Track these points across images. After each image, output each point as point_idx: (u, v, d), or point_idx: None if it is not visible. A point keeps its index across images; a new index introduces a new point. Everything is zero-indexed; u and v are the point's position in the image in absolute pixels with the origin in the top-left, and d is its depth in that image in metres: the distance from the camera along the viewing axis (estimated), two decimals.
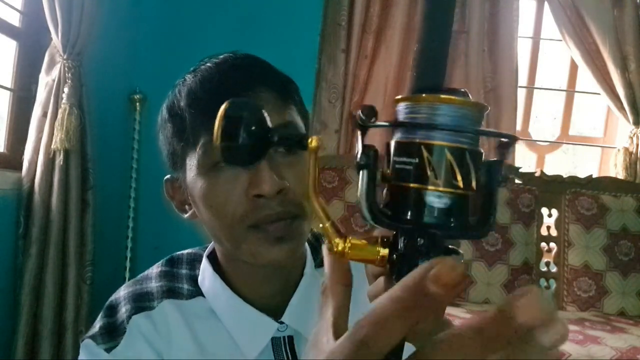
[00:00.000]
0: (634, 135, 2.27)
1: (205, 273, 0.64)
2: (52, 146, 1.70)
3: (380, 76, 2.27)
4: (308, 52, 2.24)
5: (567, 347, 1.51)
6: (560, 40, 2.32)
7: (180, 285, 0.64)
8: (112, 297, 0.65)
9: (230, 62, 0.60)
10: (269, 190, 0.54)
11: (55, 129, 1.70)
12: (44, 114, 1.73)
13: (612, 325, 1.78)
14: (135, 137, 2.23)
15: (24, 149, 1.75)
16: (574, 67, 2.44)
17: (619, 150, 2.32)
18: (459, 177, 0.25)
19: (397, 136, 0.28)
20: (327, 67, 2.25)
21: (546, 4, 2.34)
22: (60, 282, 1.74)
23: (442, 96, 0.26)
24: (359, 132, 0.29)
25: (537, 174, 2.23)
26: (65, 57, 1.73)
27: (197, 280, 0.64)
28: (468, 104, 0.26)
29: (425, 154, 0.26)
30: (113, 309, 0.63)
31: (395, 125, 0.28)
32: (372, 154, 0.28)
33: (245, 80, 0.58)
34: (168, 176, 0.64)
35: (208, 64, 0.60)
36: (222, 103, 0.49)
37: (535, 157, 2.56)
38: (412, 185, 0.26)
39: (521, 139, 2.50)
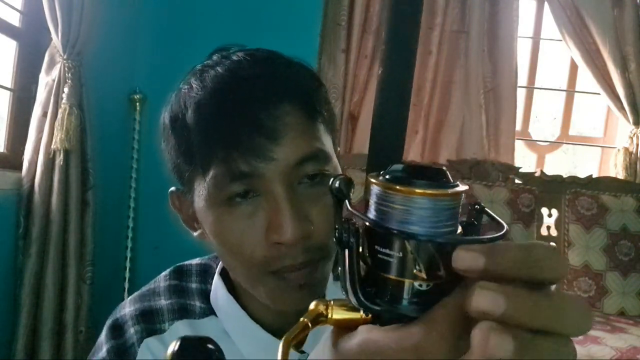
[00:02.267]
0: (634, 135, 2.27)
1: (218, 292, 0.59)
2: (52, 146, 1.70)
3: None
4: (308, 52, 2.24)
5: None
6: (560, 40, 2.32)
7: (192, 303, 0.59)
8: (117, 315, 0.59)
9: (247, 68, 0.49)
10: (292, 238, 0.46)
11: (55, 129, 1.70)
12: (44, 114, 1.73)
13: (612, 325, 1.78)
14: (135, 137, 2.23)
15: (24, 149, 1.74)
16: (574, 67, 2.44)
17: (619, 150, 2.32)
18: (442, 268, 0.25)
19: (375, 220, 0.27)
20: (327, 67, 2.25)
21: (546, 4, 2.34)
22: (60, 282, 1.74)
23: (417, 190, 0.25)
24: (335, 205, 0.28)
25: (537, 174, 2.23)
26: (65, 57, 1.73)
27: (208, 295, 0.59)
28: (445, 195, 0.26)
29: (408, 248, 0.25)
30: (120, 329, 0.57)
31: (375, 226, 0.27)
32: (354, 230, 0.27)
33: (267, 97, 0.48)
34: (173, 188, 0.56)
35: (219, 70, 0.50)
36: (239, 126, 0.46)
37: (535, 157, 2.56)
38: (395, 277, 0.26)
39: (521, 139, 2.50)
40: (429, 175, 0.26)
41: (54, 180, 1.72)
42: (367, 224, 0.27)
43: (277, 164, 0.47)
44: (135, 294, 0.61)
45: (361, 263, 0.27)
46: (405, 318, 0.25)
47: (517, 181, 2.19)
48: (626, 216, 2.04)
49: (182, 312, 0.58)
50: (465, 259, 0.24)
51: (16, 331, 1.67)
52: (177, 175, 0.53)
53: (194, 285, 0.61)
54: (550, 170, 2.31)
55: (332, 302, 0.28)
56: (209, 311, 0.58)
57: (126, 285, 2.19)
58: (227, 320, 0.57)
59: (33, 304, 1.69)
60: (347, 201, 0.28)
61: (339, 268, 0.27)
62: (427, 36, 2.24)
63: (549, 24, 2.39)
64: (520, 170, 2.22)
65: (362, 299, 0.26)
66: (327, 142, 0.52)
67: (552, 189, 2.17)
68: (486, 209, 0.30)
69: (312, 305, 0.28)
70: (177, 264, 0.64)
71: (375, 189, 0.27)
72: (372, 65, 2.29)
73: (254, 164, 0.47)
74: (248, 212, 0.48)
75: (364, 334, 0.26)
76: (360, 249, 0.27)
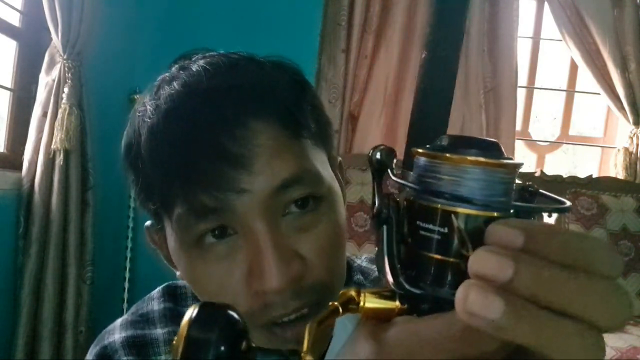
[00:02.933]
0: (634, 135, 2.27)
1: None
2: (52, 146, 1.70)
3: (380, 76, 2.27)
4: (308, 52, 2.24)
5: None
6: (560, 40, 2.32)
7: None
8: (105, 341, 0.52)
9: (207, 81, 0.41)
10: (277, 286, 0.38)
11: (55, 129, 1.70)
12: (44, 114, 1.73)
13: None
14: None
15: (24, 149, 1.74)
16: (574, 67, 2.44)
17: (619, 150, 2.32)
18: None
19: (418, 195, 0.24)
20: (327, 67, 2.25)
21: (546, 4, 2.34)
22: (60, 282, 1.74)
23: (470, 158, 0.23)
24: (375, 178, 0.26)
25: (537, 174, 2.23)
26: (65, 57, 1.73)
27: None
28: (498, 165, 0.23)
29: (455, 224, 0.22)
30: (109, 358, 0.51)
31: (419, 190, 0.24)
32: (393, 205, 0.24)
33: (231, 116, 0.39)
34: (149, 223, 0.49)
35: (175, 85, 0.41)
36: (199, 154, 0.38)
37: (535, 157, 2.56)
38: (439, 257, 0.23)
39: (521, 139, 2.50)
40: (480, 146, 0.23)
41: (54, 180, 1.72)
42: (410, 197, 0.24)
43: (251, 196, 0.39)
44: (127, 317, 0.55)
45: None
46: (448, 306, 0.22)
47: (517, 181, 2.19)
48: (626, 216, 2.04)
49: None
50: (500, 234, 0.20)
51: (16, 331, 1.67)
52: (145, 211, 0.46)
53: None
54: (550, 170, 2.31)
55: (364, 290, 0.25)
56: None
57: (126, 285, 2.19)
58: None
59: (33, 304, 1.69)
60: (389, 170, 0.25)
61: (376, 249, 0.25)
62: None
63: (549, 24, 2.39)
64: (520, 170, 2.21)
65: (403, 281, 0.23)
66: (316, 159, 0.43)
67: (552, 189, 2.16)
68: (541, 190, 0.26)
69: (342, 290, 0.25)
70: (171, 283, 0.57)
71: (420, 161, 0.24)
72: (372, 65, 2.29)
73: (221, 198, 0.38)
74: (224, 255, 0.40)
75: (403, 324, 0.24)
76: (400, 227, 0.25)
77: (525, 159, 2.56)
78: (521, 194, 0.25)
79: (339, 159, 0.51)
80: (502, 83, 2.31)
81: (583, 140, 2.62)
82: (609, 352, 1.52)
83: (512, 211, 0.23)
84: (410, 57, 2.26)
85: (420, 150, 0.24)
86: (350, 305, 0.25)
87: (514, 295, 0.19)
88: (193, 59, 0.45)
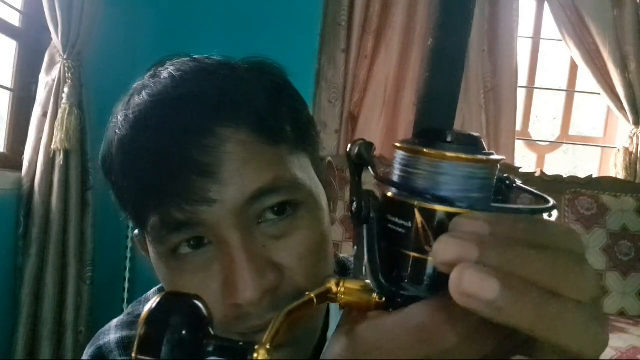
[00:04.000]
0: (634, 135, 2.27)
1: None
2: (52, 146, 1.70)
3: (380, 76, 2.27)
4: (308, 52, 2.24)
5: None
6: (560, 40, 2.32)
7: None
8: (101, 341, 0.52)
9: (173, 89, 0.40)
10: (250, 298, 0.37)
11: (55, 129, 1.70)
12: (44, 114, 1.73)
13: (612, 325, 1.78)
14: None
15: (24, 149, 1.74)
16: (574, 67, 2.44)
17: (619, 150, 2.32)
18: None
19: (395, 191, 0.24)
20: (327, 67, 2.25)
21: (546, 4, 2.34)
22: (60, 282, 1.74)
23: (448, 153, 0.22)
24: (353, 174, 0.25)
25: (537, 174, 2.23)
26: (65, 57, 1.73)
27: None
28: (478, 161, 0.22)
29: (426, 219, 0.22)
30: (104, 359, 0.50)
31: (391, 184, 0.23)
32: (373, 203, 0.24)
33: (197, 124, 0.38)
34: (136, 232, 0.48)
35: (143, 95, 0.41)
36: (166, 165, 0.37)
37: (535, 157, 2.56)
38: (417, 255, 0.23)
39: (521, 139, 2.50)
40: (459, 140, 0.22)
41: (54, 180, 1.72)
42: (387, 193, 0.24)
43: (221, 207, 0.37)
44: (122, 317, 0.54)
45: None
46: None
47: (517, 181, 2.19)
48: (626, 216, 2.04)
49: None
50: (464, 224, 0.20)
51: (16, 331, 1.67)
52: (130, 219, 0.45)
53: None
54: (550, 170, 2.31)
55: (344, 281, 0.25)
56: None
57: (126, 285, 2.19)
58: None
59: (33, 304, 1.69)
60: (369, 167, 0.24)
61: (355, 247, 0.24)
62: (427, 36, 2.24)
63: (549, 24, 2.39)
64: (520, 170, 2.22)
65: (383, 280, 0.23)
66: (293, 164, 0.41)
67: (552, 189, 2.17)
68: (520, 183, 0.26)
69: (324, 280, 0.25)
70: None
71: (398, 155, 0.24)
72: (372, 65, 2.29)
73: (191, 210, 0.37)
74: (199, 266, 0.39)
75: (373, 319, 0.23)
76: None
77: (525, 159, 2.56)
78: (498, 187, 0.24)
79: (329, 158, 0.50)
80: (502, 83, 2.31)
81: (583, 140, 2.62)
82: (609, 352, 1.52)
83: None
84: (410, 57, 2.26)
85: (397, 144, 0.24)
86: (327, 296, 0.25)
87: (510, 275, 0.19)
88: (165, 65, 0.44)
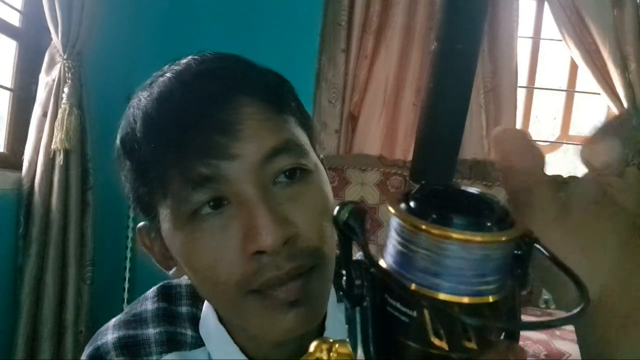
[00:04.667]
0: None
1: (208, 321, 0.52)
2: (52, 146, 1.70)
3: (380, 76, 2.27)
4: (308, 52, 2.24)
5: (567, 347, 1.51)
6: (560, 40, 2.32)
7: (182, 331, 0.53)
8: (98, 342, 0.53)
9: (195, 68, 0.44)
10: (272, 244, 0.39)
11: (55, 129, 1.70)
12: (44, 114, 1.73)
13: None
14: None
15: (24, 149, 1.74)
16: (574, 67, 2.44)
17: None
18: (473, 338, 0.19)
19: (388, 260, 0.20)
20: (327, 67, 2.25)
21: (546, 4, 2.34)
22: (60, 282, 1.74)
23: (452, 234, 0.18)
24: (342, 242, 0.21)
25: None
26: (65, 57, 1.73)
27: (199, 321, 0.53)
28: (495, 242, 0.18)
29: (427, 308, 0.19)
30: (102, 358, 0.51)
31: (389, 278, 0.20)
32: (367, 279, 0.20)
33: (218, 92, 0.42)
34: (141, 225, 0.50)
35: (167, 75, 0.45)
36: (190, 125, 0.40)
37: None
38: (408, 343, 0.20)
39: None
40: (470, 211, 0.19)
41: (54, 180, 1.72)
42: (384, 269, 0.20)
43: (241, 162, 0.41)
44: (120, 317, 0.55)
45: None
46: None
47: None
48: None
49: (172, 343, 0.52)
50: None
51: (16, 331, 1.67)
52: (139, 206, 0.47)
53: (184, 310, 0.54)
54: (550, 170, 2.31)
55: (337, 345, 0.22)
56: (201, 341, 0.52)
57: (126, 285, 2.19)
58: (217, 354, 0.50)
59: (33, 304, 1.69)
60: (360, 241, 0.20)
61: (347, 326, 0.21)
62: (427, 36, 2.24)
63: (549, 24, 2.39)
64: None
65: None
66: (300, 136, 0.45)
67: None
68: (545, 248, 0.20)
69: (311, 347, 0.23)
70: (166, 282, 0.57)
71: (393, 221, 0.20)
72: (372, 65, 2.29)
73: (214, 165, 0.40)
74: (219, 225, 0.41)
75: None
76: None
77: None
78: (517, 244, 0.20)
79: (321, 156, 0.52)
80: (502, 83, 2.31)
81: (583, 141, 2.62)
82: None
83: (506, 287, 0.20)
84: (410, 57, 2.26)
85: (392, 209, 0.20)
86: None
87: None
88: (183, 58, 0.47)
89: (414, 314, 0.19)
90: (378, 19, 2.26)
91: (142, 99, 0.45)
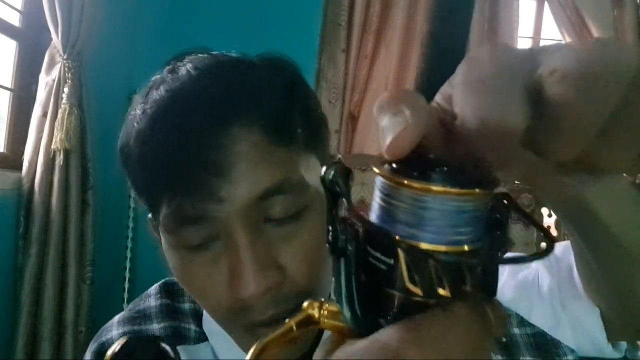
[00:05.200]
0: None
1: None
2: (52, 146, 1.70)
3: (380, 76, 2.27)
4: (308, 52, 2.24)
5: None
6: (561, 40, 2.32)
7: (186, 326, 0.53)
8: (103, 338, 0.54)
9: (191, 85, 0.41)
10: (252, 294, 0.39)
11: (55, 129, 1.70)
12: (44, 114, 1.73)
13: None
14: None
15: (24, 149, 1.74)
16: None
17: None
18: (447, 285, 0.20)
19: (372, 217, 0.22)
20: (327, 67, 2.25)
21: (546, 4, 2.34)
22: (60, 282, 1.74)
23: (432, 187, 0.20)
24: (329, 201, 0.23)
25: None
26: (65, 57, 1.73)
27: (202, 317, 0.53)
28: (468, 194, 0.20)
29: (403, 256, 0.20)
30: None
31: (371, 226, 0.21)
32: (352, 234, 0.22)
33: (211, 124, 0.39)
34: (150, 215, 0.49)
35: (161, 90, 0.42)
36: (180, 162, 0.39)
37: None
38: (387, 289, 0.21)
39: None
40: (446, 167, 0.20)
41: (54, 180, 1.72)
42: (368, 224, 0.22)
43: (230, 205, 0.39)
44: (124, 314, 0.56)
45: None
46: None
47: (517, 181, 2.19)
48: None
49: (176, 337, 0.52)
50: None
51: (16, 331, 1.67)
52: (141, 201, 0.47)
53: (186, 306, 0.55)
54: None
55: (326, 305, 0.23)
56: (204, 336, 0.52)
57: (126, 285, 2.19)
58: (220, 349, 0.51)
59: (33, 304, 1.69)
60: (345, 196, 0.22)
61: (333, 279, 0.23)
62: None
63: (549, 23, 2.39)
64: None
65: (359, 315, 0.21)
66: (302, 165, 0.42)
67: None
68: (519, 208, 0.23)
69: (304, 305, 0.24)
70: (168, 280, 0.58)
71: (378, 181, 0.22)
72: (372, 65, 2.29)
73: (202, 207, 0.39)
74: (209, 260, 0.41)
75: (345, 345, 0.22)
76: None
77: None
78: (496, 207, 0.22)
79: (339, 156, 0.51)
80: None
81: None
82: None
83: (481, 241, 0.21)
84: (410, 57, 2.26)
85: (376, 169, 0.22)
86: (309, 323, 0.23)
87: None
88: (184, 60, 0.45)
89: (392, 261, 0.21)
90: (378, 19, 2.26)
91: (137, 112, 0.43)
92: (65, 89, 1.72)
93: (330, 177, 0.23)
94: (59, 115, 1.71)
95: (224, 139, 0.39)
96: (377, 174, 0.22)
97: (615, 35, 2.21)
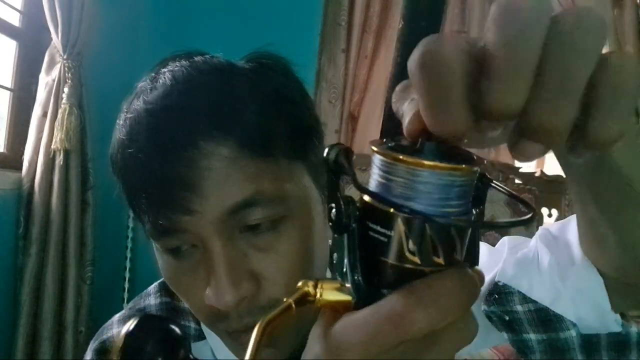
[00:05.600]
0: None
1: None
2: (52, 146, 1.70)
3: (380, 76, 2.27)
4: (308, 52, 2.24)
5: None
6: None
7: (186, 324, 0.54)
8: (104, 336, 0.55)
9: (163, 99, 0.41)
10: (224, 305, 0.39)
11: (55, 129, 1.70)
12: (44, 114, 1.73)
13: None
14: None
15: (24, 149, 1.74)
16: None
17: None
18: (441, 254, 0.23)
19: (374, 197, 0.24)
20: (327, 67, 2.25)
21: None
22: (60, 282, 1.74)
23: (424, 162, 0.22)
24: (330, 179, 0.24)
25: (537, 174, 2.23)
26: (65, 57, 1.73)
27: None
28: (457, 169, 0.22)
29: (402, 228, 0.22)
30: (107, 354, 0.52)
31: (374, 195, 0.23)
32: (353, 210, 0.23)
33: (183, 137, 0.40)
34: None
35: (140, 102, 0.42)
36: (155, 176, 0.40)
37: None
38: (387, 260, 0.23)
39: None
40: (438, 145, 0.22)
41: (54, 180, 1.72)
42: (365, 198, 0.24)
43: (201, 217, 0.40)
44: (124, 312, 0.57)
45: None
46: None
47: (517, 181, 2.19)
48: None
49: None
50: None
51: (16, 331, 1.67)
52: None
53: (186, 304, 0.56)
54: (550, 170, 2.30)
55: (321, 282, 0.25)
56: (203, 334, 0.53)
57: (126, 285, 2.19)
58: (217, 347, 0.51)
59: (33, 304, 1.69)
60: (350, 174, 0.24)
61: (334, 255, 0.25)
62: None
63: None
64: (520, 170, 2.22)
65: (362, 285, 0.23)
66: (281, 177, 0.42)
67: (552, 189, 2.17)
68: (496, 183, 0.26)
69: (299, 284, 0.25)
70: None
71: (375, 158, 0.23)
72: (372, 65, 2.29)
73: (177, 219, 0.40)
74: (190, 267, 0.42)
75: (346, 315, 0.24)
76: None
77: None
78: (477, 187, 0.25)
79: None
80: None
81: None
82: None
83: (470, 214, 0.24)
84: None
85: (374, 147, 0.23)
86: (306, 299, 0.25)
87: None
88: (167, 67, 0.45)
89: (392, 233, 0.22)
90: (378, 19, 2.26)
91: (120, 121, 0.44)
92: (65, 89, 1.72)
93: (333, 157, 0.24)
94: (59, 115, 1.71)
95: (193, 153, 0.39)
96: (375, 152, 0.23)
97: (615, 35, 2.21)
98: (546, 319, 0.47)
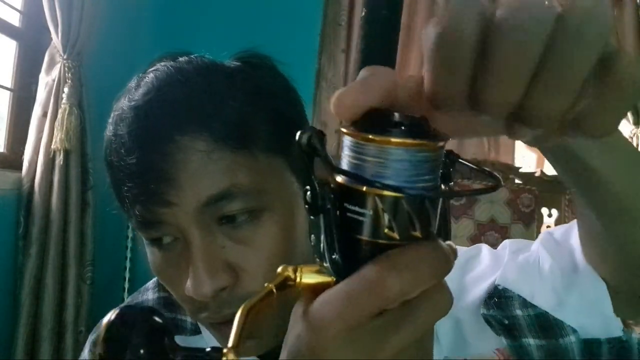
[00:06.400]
0: (634, 135, 2.27)
1: None
2: (52, 146, 1.70)
3: None
4: (308, 52, 2.24)
5: None
6: None
7: (182, 318, 0.56)
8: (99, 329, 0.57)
9: (145, 98, 0.43)
10: (202, 296, 0.40)
11: (55, 129, 1.70)
12: (44, 114, 1.73)
13: None
14: None
15: (24, 149, 1.74)
16: None
17: None
18: (418, 227, 0.23)
19: (346, 178, 0.24)
20: (327, 67, 2.25)
21: None
22: (60, 282, 1.74)
23: (393, 139, 0.22)
24: (304, 162, 0.25)
25: (537, 174, 2.23)
26: (65, 57, 1.73)
27: None
28: (425, 146, 0.23)
29: (379, 205, 0.23)
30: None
31: (348, 175, 0.24)
32: (328, 191, 0.24)
33: (160, 131, 0.42)
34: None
35: (126, 100, 0.45)
36: (131, 173, 0.42)
37: (535, 157, 2.56)
38: (365, 238, 0.23)
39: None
40: (404, 124, 0.23)
41: (54, 180, 1.72)
42: (338, 179, 0.24)
43: (179, 209, 0.41)
44: (122, 307, 0.58)
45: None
46: None
47: (517, 181, 2.19)
48: None
49: (173, 328, 0.52)
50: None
51: (16, 331, 1.67)
52: None
53: None
54: (551, 170, 2.30)
55: (301, 267, 0.25)
56: (198, 328, 0.54)
57: (126, 285, 2.19)
58: (212, 341, 0.51)
59: (33, 304, 1.69)
60: (322, 155, 0.24)
61: (312, 236, 0.25)
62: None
63: None
64: (520, 170, 2.22)
65: (341, 263, 0.23)
66: (259, 170, 0.43)
67: (552, 189, 2.17)
68: (462, 159, 0.27)
69: (279, 269, 0.25)
70: None
71: (346, 140, 0.24)
72: None
73: (154, 211, 0.42)
74: (172, 258, 0.44)
75: (324, 293, 0.24)
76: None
77: (525, 159, 2.56)
78: (444, 163, 0.25)
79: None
80: None
81: None
82: None
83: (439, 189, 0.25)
84: (410, 57, 2.26)
85: (343, 129, 0.24)
86: (287, 283, 0.25)
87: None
88: (154, 67, 0.47)
89: (369, 211, 0.23)
90: None
91: (110, 118, 0.46)
92: (65, 89, 1.72)
93: (306, 140, 0.24)
94: (59, 115, 1.71)
95: (170, 147, 0.41)
96: (345, 133, 0.24)
97: (615, 35, 2.21)
98: (546, 324, 0.47)
